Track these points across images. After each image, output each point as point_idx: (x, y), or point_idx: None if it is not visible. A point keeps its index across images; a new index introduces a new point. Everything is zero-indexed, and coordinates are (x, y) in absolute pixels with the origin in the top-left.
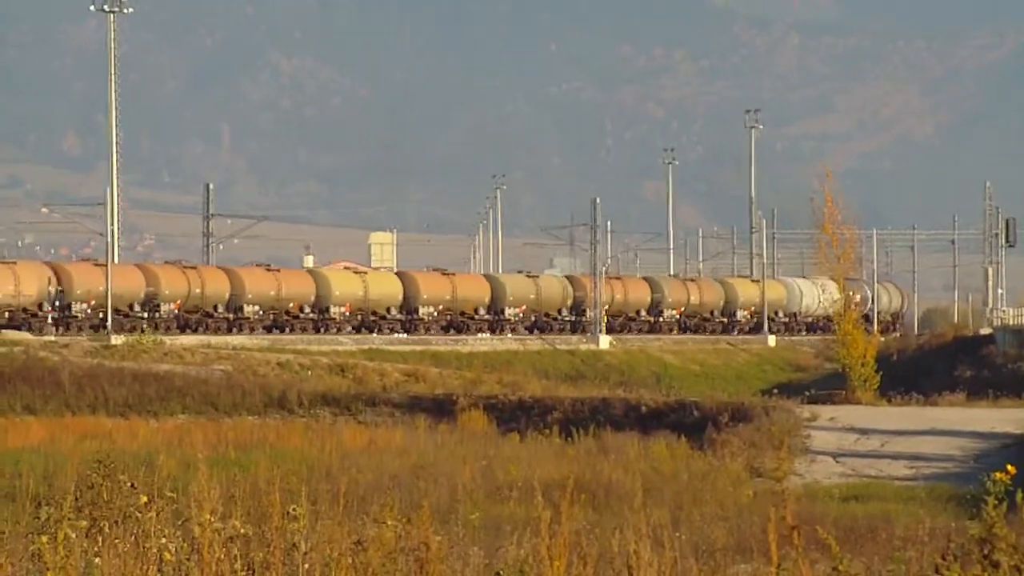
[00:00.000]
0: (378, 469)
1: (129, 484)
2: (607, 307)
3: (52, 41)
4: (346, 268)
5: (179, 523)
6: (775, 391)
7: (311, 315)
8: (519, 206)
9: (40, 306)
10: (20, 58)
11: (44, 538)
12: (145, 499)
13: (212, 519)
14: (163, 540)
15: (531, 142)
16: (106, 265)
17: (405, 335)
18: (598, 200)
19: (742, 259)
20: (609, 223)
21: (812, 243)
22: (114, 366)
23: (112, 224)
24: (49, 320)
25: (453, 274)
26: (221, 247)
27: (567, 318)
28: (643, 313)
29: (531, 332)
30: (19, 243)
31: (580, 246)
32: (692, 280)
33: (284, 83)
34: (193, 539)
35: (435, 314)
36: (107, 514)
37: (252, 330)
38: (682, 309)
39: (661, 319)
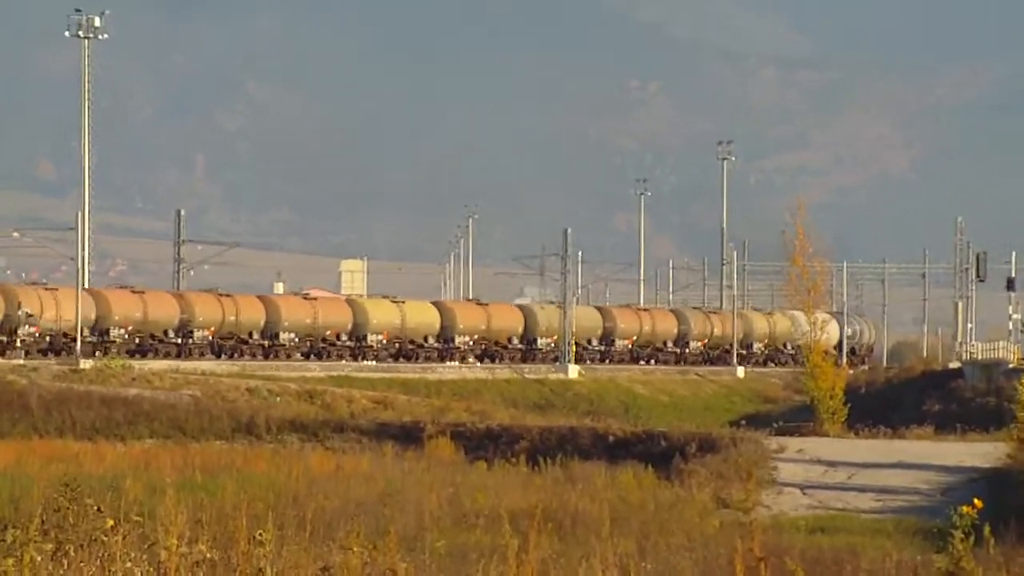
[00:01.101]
0: (345, 495)
1: (95, 508)
2: (635, 338)
3: (25, 66)
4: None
5: (145, 547)
6: (743, 422)
7: (348, 342)
8: (490, 236)
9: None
10: None
11: (10, 561)
12: (111, 523)
13: (178, 543)
14: (128, 564)
15: (504, 172)
16: (142, 292)
17: (441, 363)
18: (569, 231)
19: (712, 291)
20: (581, 253)
21: (782, 275)
22: (82, 390)
23: (83, 249)
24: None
25: (487, 304)
26: (192, 273)
27: (597, 348)
28: (670, 344)
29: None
30: None
31: (551, 276)
32: (715, 312)
33: (259, 112)
34: (159, 563)
35: (471, 343)
36: (73, 537)
37: (288, 356)
38: (706, 341)
39: (687, 350)
